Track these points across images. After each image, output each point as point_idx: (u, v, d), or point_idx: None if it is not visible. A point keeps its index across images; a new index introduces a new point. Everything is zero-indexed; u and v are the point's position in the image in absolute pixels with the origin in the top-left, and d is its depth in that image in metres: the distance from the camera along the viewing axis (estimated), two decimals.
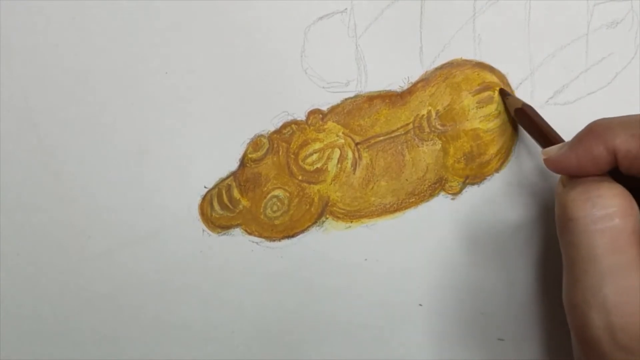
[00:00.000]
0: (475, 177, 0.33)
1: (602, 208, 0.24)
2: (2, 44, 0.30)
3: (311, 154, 0.33)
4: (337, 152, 0.33)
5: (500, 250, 0.34)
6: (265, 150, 0.32)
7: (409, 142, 0.33)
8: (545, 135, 0.30)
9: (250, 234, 0.33)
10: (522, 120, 0.32)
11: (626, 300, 0.23)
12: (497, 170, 0.34)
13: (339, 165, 0.33)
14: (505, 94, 0.33)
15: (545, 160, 0.27)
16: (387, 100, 0.33)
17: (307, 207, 0.33)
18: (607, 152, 0.25)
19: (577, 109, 0.34)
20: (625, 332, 0.23)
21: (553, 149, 0.27)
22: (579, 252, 0.25)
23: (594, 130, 0.25)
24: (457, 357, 0.35)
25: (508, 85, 0.33)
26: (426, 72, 0.33)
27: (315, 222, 0.33)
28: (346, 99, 0.32)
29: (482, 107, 0.33)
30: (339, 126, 0.33)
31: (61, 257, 0.32)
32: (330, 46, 0.32)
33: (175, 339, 0.33)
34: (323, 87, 0.32)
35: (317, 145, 0.33)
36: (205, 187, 0.32)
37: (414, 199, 0.33)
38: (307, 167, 0.33)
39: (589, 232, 0.24)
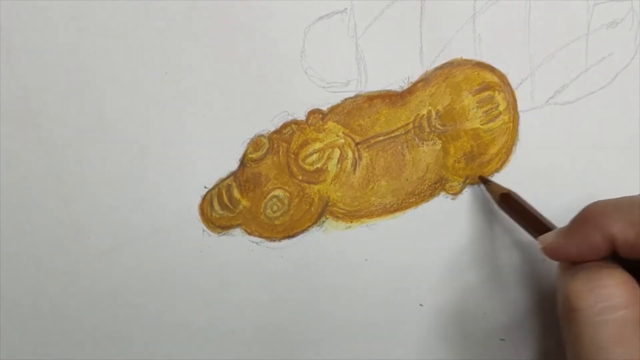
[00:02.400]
0: (475, 177, 0.33)
1: (606, 299, 0.24)
2: (2, 44, 0.30)
3: (311, 154, 0.33)
4: (337, 152, 0.33)
5: (501, 250, 0.34)
6: (265, 150, 0.32)
7: (409, 142, 0.33)
8: (533, 221, 0.30)
9: (250, 234, 0.33)
10: (507, 205, 0.31)
11: None
12: (497, 170, 0.34)
13: (339, 165, 0.33)
14: (485, 181, 0.33)
15: (544, 249, 0.27)
16: (387, 100, 0.33)
17: (307, 207, 0.33)
18: (604, 239, 0.24)
19: (577, 109, 0.34)
20: None
21: (549, 237, 0.27)
22: (583, 343, 0.24)
23: (589, 218, 0.25)
24: (458, 357, 0.35)
25: (508, 84, 0.33)
26: (426, 71, 0.33)
27: (315, 222, 0.33)
28: (346, 99, 0.32)
29: (483, 106, 0.33)
30: (339, 126, 0.33)
31: (61, 257, 0.32)
32: (330, 46, 0.32)
33: (175, 339, 0.33)
34: (323, 87, 0.32)
35: (317, 145, 0.33)
36: (205, 187, 0.32)
37: (414, 199, 0.33)
38: (307, 167, 0.33)
39: (594, 324, 0.24)
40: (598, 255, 0.25)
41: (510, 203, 0.31)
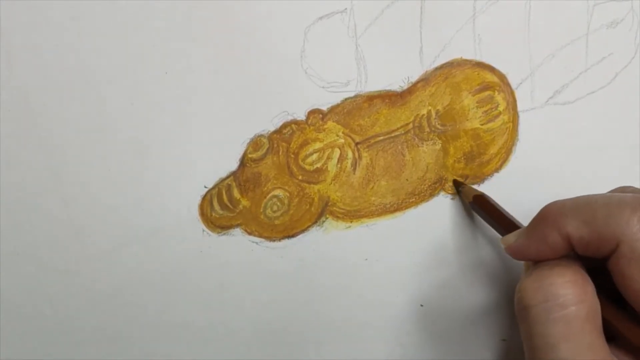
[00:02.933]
0: (475, 177, 0.33)
1: (554, 297, 0.24)
2: (2, 44, 0.30)
3: (311, 154, 0.33)
4: (337, 152, 0.33)
5: (501, 250, 0.34)
6: (265, 150, 0.32)
7: (409, 142, 0.33)
8: (502, 222, 0.30)
9: (250, 234, 0.33)
10: (479, 208, 0.32)
11: None
12: (497, 170, 0.34)
13: (339, 165, 0.33)
14: (459, 184, 0.33)
15: (506, 249, 0.27)
16: (387, 100, 0.33)
17: (307, 207, 0.33)
18: (561, 238, 0.25)
19: (577, 109, 0.34)
20: None
21: (511, 237, 0.27)
22: (534, 341, 0.25)
23: (546, 217, 0.26)
24: (458, 357, 0.35)
25: (508, 85, 0.33)
26: (426, 71, 0.33)
27: (315, 222, 0.33)
28: (346, 99, 0.32)
29: (482, 106, 0.33)
30: (339, 126, 0.33)
31: (61, 257, 0.32)
32: (330, 46, 0.32)
33: (176, 339, 0.33)
34: (323, 87, 0.32)
35: (317, 145, 0.33)
36: (205, 187, 0.32)
37: (414, 199, 0.33)
38: (307, 167, 0.33)
39: (542, 322, 0.24)
40: (557, 253, 0.25)
41: (483, 205, 0.32)
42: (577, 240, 0.24)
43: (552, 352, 0.24)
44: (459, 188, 0.33)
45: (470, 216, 0.34)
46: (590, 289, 0.25)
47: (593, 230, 0.24)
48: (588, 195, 0.25)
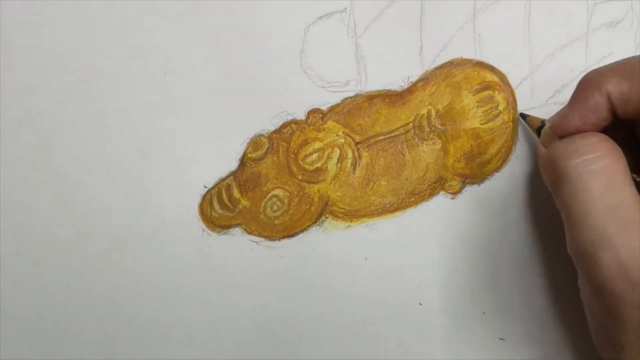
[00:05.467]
0: (475, 176, 0.33)
1: (591, 152, 0.25)
2: (2, 44, 0.31)
3: (311, 154, 0.33)
4: (337, 152, 0.33)
5: (501, 249, 0.34)
6: (265, 149, 0.32)
7: (409, 142, 0.33)
8: None
9: (250, 233, 0.33)
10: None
11: (632, 236, 0.24)
12: (497, 169, 0.33)
13: (339, 165, 0.33)
14: (524, 116, 0.33)
15: (552, 127, 0.27)
16: (387, 100, 0.33)
17: (307, 206, 0.33)
18: (602, 98, 0.25)
19: None
20: (636, 267, 0.23)
21: (556, 115, 0.28)
22: (577, 198, 0.25)
23: (586, 81, 0.26)
24: (457, 357, 0.35)
25: (508, 84, 0.33)
26: (426, 71, 0.33)
27: (315, 222, 0.33)
28: (346, 99, 0.32)
29: (482, 106, 0.33)
30: (339, 126, 0.33)
31: (61, 257, 0.32)
32: (330, 46, 0.32)
33: (175, 339, 0.33)
34: (323, 87, 0.32)
35: (317, 145, 0.33)
36: (205, 186, 0.32)
37: (414, 199, 0.33)
38: (307, 166, 0.33)
39: (584, 176, 0.25)
40: (599, 117, 0.26)
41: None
42: (618, 97, 0.25)
43: (598, 202, 0.24)
44: (524, 118, 0.33)
45: (482, 215, 0.33)
46: (619, 149, 0.25)
47: (633, 84, 0.24)
48: (625, 58, 0.26)
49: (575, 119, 0.26)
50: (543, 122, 0.31)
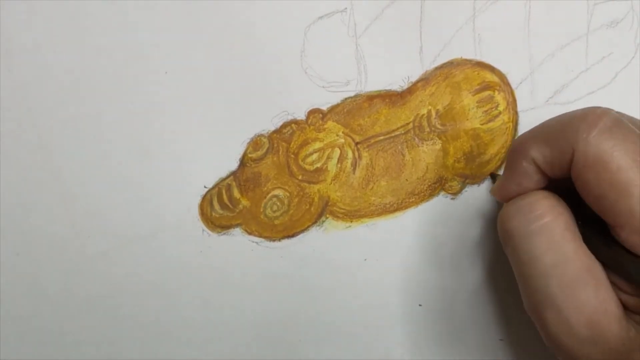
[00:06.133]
0: (475, 177, 0.33)
1: (531, 211, 0.26)
2: (2, 44, 0.30)
3: (311, 154, 0.33)
4: (337, 152, 0.33)
5: (501, 250, 0.34)
6: (265, 149, 0.32)
7: (409, 142, 0.33)
8: None
9: (250, 233, 0.33)
10: None
11: (574, 293, 0.24)
12: (496, 170, 0.33)
13: (339, 165, 0.33)
14: (495, 177, 0.33)
15: (492, 193, 0.29)
16: (387, 100, 0.33)
17: (307, 206, 0.33)
18: (529, 164, 0.26)
19: (577, 109, 0.34)
20: (580, 324, 0.24)
21: (494, 186, 0.29)
22: (521, 258, 0.26)
23: (513, 149, 0.27)
24: (457, 357, 0.35)
25: (508, 84, 0.33)
26: (426, 71, 0.33)
27: (315, 222, 0.33)
28: (346, 99, 0.32)
29: (482, 106, 0.33)
30: (339, 126, 0.33)
31: (61, 257, 0.32)
32: (330, 46, 0.32)
33: (175, 339, 0.33)
34: (323, 87, 0.32)
35: (317, 145, 0.33)
36: (205, 186, 0.32)
37: (414, 199, 0.33)
38: (307, 166, 0.33)
39: (525, 237, 0.26)
40: (533, 182, 0.26)
41: None
42: (542, 161, 0.26)
43: (539, 263, 0.25)
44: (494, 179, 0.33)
45: (482, 215, 0.34)
46: (563, 205, 0.26)
47: (552, 147, 0.25)
48: (547, 120, 0.27)
49: (512, 187, 0.27)
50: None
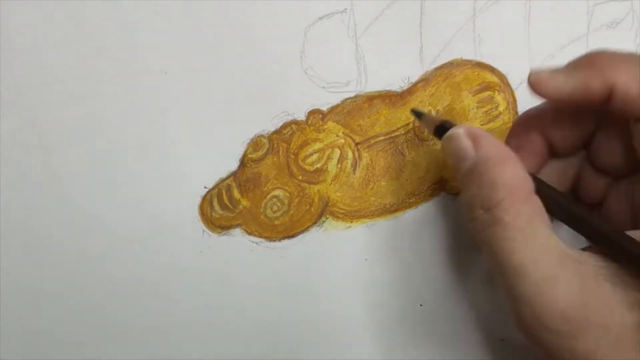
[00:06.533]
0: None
1: (493, 199, 0.24)
2: (2, 44, 0.30)
3: (311, 154, 0.33)
4: (337, 152, 0.33)
5: None
6: (265, 150, 0.32)
7: (409, 142, 0.33)
8: None
9: (250, 234, 0.33)
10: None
11: (543, 291, 0.23)
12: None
13: (339, 166, 0.33)
14: (418, 114, 0.31)
15: (534, 81, 0.25)
16: (387, 100, 0.33)
17: (307, 207, 0.33)
18: (604, 87, 0.24)
19: None
20: (555, 320, 0.23)
21: (544, 71, 0.25)
22: (491, 259, 0.25)
23: (594, 62, 0.24)
24: (458, 357, 0.35)
25: (508, 85, 0.33)
26: (426, 72, 0.33)
27: (315, 222, 0.33)
28: (346, 99, 0.32)
29: (483, 107, 0.33)
30: (339, 126, 0.33)
31: (61, 257, 0.32)
32: (330, 46, 0.32)
33: (175, 339, 0.33)
34: (323, 87, 0.32)
35: (317, 146, 0.33)
36: (205, 187, 0.32)
37: (414, 199, 0.33)
38: (307, 167, 0.33)
39: (489, 238, 0.24)
40: (588, 102, 0.25)
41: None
42: (623, 93, 0.24)
43: (506, 263, 0.24)
44: (419, 118, 0.31)
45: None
46: (529, 194, 0.24)
47: (582, 86, 0.23)
48: None
49: (565, 91, 0.25)
50: (445, 122, 0.29)
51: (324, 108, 0.32)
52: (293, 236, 0.33)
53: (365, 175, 0.33)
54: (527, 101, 0.33)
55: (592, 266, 0.24)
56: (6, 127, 0.31)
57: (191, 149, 0.32)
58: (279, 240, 0.33)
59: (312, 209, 0.33)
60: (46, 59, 0.31)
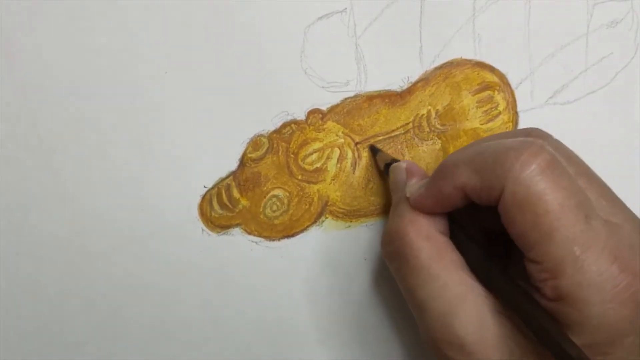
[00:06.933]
0: None
1: (402, 246, 0.27)
2: (2, 44, 0.31)
3: (311, 154, 0.33)
4: (336, 152, 0.33)
5: None
6: (264, 149, 0.32)
7: (409, 142, 0.33)
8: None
9: (249, 233, 0.33)
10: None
11: (443, 325, 0.25)
12: None
13: (339, 165, 0.33)
14: (375, 150, 0.33)
15: (409, 199, 0.28)
16: (386, 100, 0.33)
17: (307, 206, 0.33)
18: (455, 190, 0.25)
19: (577, 109, 0.34)
20: (455, 352, 0.25)
21: (414, 188, 0.28)
22: (399, 285, 0.28)
23: (442, 171, 0.26)
24: None
25: (508, 84, 0.33)
26: (426, 71, 0.33)
27: (314, 222, 0.33)
28: (346, 99, 0.32)
29: (482, 106, 0.33)
30: (339, 126, 0.33)
31: (61, 257, 0.32)
32: (330, 46, 0.32)
33: (175, 339, 0.33)
34: (323, 87, 0.32)
35: (317, 145, 0.33)
36: (204, 186, 0.32)
37: None
38: (306, 166, 0.33)
39: (399, 269, 0.27)
40: (453, 204, 0.26)
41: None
42: (471, 190, 0.25)
43: (412, 295, 0.26)
44: (374, 154, 0.33)
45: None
46: (434, 231, 0.27)
47: (483, 179, 0.24)
48: (482, 144, 0.26)
49: (429, 202, 0.27)
50: (393, 160, 0.31)
51: (324, 108, 0.32)
52: (292, 236, 0.33)
53: (365, 175, 0.33)
54: (527, 101, 0.33)
55: (494, 303, 0.25)
56: (6, 127, 0.31)
57: (191, 149, 0.32)
58: (279, 239, 0.33)
59: (312, 209, 0.33)
60: (46, 59, 0.31)
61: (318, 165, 0.33)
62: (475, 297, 0.25)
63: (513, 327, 0.25)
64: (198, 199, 0.32)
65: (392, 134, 0.33)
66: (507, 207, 0.24)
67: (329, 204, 0.33)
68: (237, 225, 0.33)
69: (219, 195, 0.32)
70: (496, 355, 0.24)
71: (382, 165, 0.32)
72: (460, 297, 0.25)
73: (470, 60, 0.33)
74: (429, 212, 0.27)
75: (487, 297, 0.25)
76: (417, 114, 0.33)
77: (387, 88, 0.33)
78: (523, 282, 0.25)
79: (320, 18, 0.32)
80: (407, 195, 0.28)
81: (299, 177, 0.33)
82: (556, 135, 0.34)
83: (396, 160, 0.31)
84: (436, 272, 0.25)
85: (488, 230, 0.28)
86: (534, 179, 0.23)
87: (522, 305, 0.24)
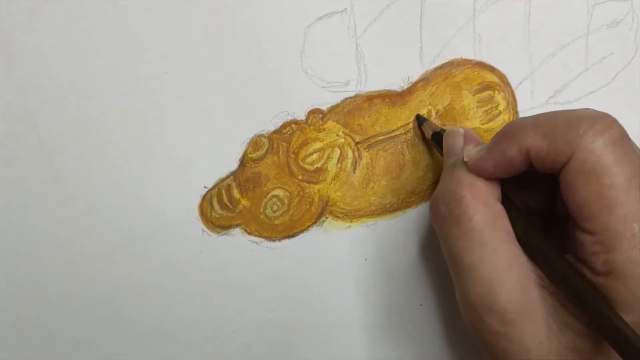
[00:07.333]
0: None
1: (456, 208, 0.26)
2: (2, 44, 0.30)
3: (311, 154, 0.33)
4: (337, 152, 0.33)
5: None
6: (265, 150, 0.32)
7: (409, 142, 0.33)
8: None
9: (250, 233, 0.33)
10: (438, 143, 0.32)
11: (487, 293, 0.25)
12: None
13: (339, 165, 0.33)
14: (421, 120, 0.33)
15: (467, 163, 0.27)
16: (387, 100, 0.33)
17: (307, 206, 0.33)
18: (519, 152, 0.25)
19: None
20: (495, 320, 0.25)
21: (472, 152, 0.27)
22: (445, 252, 0.27)
23: (507, 132, 0.26)
24: (458, 357, 0.35)
25: (508, 84, 0.33)
26: (426, 71, 0.33)
27: (315, 222, 0.33)
28: (346, 99, 0.32)
29: (483, 106, 0.33)
30: (339, 126, 0.33)
31: (61, 257, 0.32)
32: (330, 46, 0.32)
33: (175, 339, 0.33)
34: (323, 87, 0.32)
35: (317, 145, 0.33)
36: (205, 187, 0.32)
37: (414, 198, 0.33)
38: (307, 166, 0.33)
39: (447, 236, 0.27)
40: (515, 169, 0.26)
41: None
42: (535, 154, 0.25)
43: (459, 260, 0.26)
44: (421, 124, 0.33)
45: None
46: (495, 198, 0.26)
47: (551, 143, 0.24)
48: (551, 112, 0.26)
49: (490, 164, 0.26)
50: (441, 129, 0.31)
51: (324, 108, 0.32)
52: (293, 236, 0.33)
53: (365, 175, 0.33)
54: (527, 101, 0.33)
55: (538, 276, 0.25)
56: (6, 127, 0.31)
57: (191, 149, 0.32)
58: (279, 240, 0.33)
59: (312, 209, 0.33)
60: (46, 59, 0.31)
61: (318, 165, 0.33)
62: (522, 268, 0.25)
63: (555, 302, 0.25)
64: (198, 199, 0.32)
65: (393, 134, 0.33)
66: (573, 175, 0.23)
67: (329, 204, 0.33)
68: (237, 225, 0.33)
69: (219, 195, 0.32)
70: (534, 328, 0.24)
71: (429, 134, 0.31)
72: (508, 266, 0.25)
73: (470, 60, 0.33)
74: (488, 177, 0.26)
75: (532, 270, 0.25)
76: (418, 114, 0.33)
77: (387, 88, 0.33)
78: (570, 257, 0.25)
79: (320, 18, 0.32)
80: (466, 159, 0.27)
81: (300, 177, 0.33)
82: None
83: (443, 130, 0.30)
84: (488, 238, 0.25)
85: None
86: (606, 149, 0.23)
87: (571, 279, 0.24)
